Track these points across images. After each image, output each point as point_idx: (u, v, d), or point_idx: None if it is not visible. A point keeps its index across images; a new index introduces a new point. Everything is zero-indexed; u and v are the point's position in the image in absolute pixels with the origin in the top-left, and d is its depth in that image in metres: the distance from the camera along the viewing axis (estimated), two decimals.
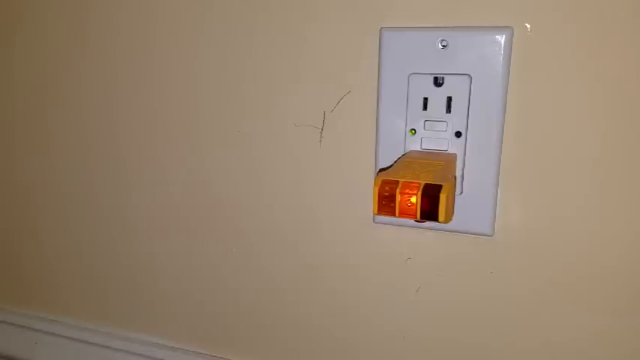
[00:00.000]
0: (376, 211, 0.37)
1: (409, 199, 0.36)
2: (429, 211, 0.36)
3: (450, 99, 0.42)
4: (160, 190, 0.55)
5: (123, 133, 0.55)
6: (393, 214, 0.36)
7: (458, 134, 0.42)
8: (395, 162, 0.43)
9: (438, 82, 0.42)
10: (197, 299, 0.57)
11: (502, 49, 0.39)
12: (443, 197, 0.35)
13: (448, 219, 0.36)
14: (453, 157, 0.42)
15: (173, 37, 0.50)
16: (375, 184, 0.37)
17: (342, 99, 0.46)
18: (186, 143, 0.53)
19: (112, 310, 0.62)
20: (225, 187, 0.52)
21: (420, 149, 0.43)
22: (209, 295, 0.56)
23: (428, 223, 0.41)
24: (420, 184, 0.36)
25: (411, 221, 0.43)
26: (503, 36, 0.39)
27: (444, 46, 0.41)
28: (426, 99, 0.42)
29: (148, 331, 0.61)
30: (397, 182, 0.36)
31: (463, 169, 0.42)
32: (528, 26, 0.39)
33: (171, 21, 0.50)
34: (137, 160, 0.55)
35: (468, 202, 0.43)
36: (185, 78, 0.51)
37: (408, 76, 0.42)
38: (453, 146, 0.42)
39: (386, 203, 0.36)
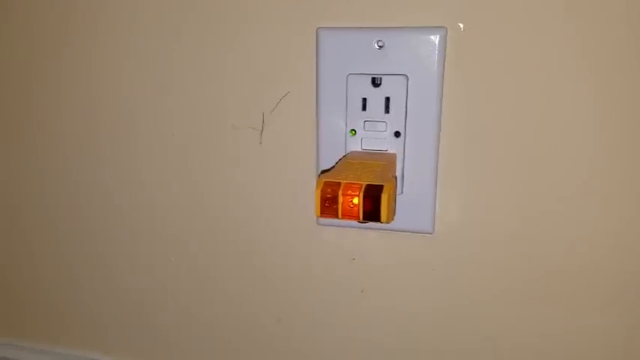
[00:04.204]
0: (319, 214, 0.36)
1: (351, 201, 0.35)
2: (371, 212, 0.35)
3: (388, 99, 0.42)
4: (93, 196, 0.53)
5: (59, 136, 0.52)
6: (336, 215, 0.36)
7: (397, 134, 0.42)
8: (336, 163, 0.43)
9: (375, 83, 0.42)
10: (135, 311, 0.55)
11: (436, 48, 0.40)
12: (384, 197, 0.35)
13: (390, 219, 0.36)
14: (393, 157, 0.42)
15: (98, 37, 0.48)
16: (317, 186, 0.36)
17: (281, 100, 0.45)
18: (118, 147, 0.50)
19: None
20: (160, 191, 0.50)
21: (361, 150, 0.43)
22: (148, 305, 0.54)
23: (370, 223, 0.41)
24: (361, 185, 0.35)
25: (354, 222, 0.43)
26: (438, 36, 0.40)
27: (380, 46, 0.41)
28: (365, 99, 0.42)
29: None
30: (339, 184, 0.36)
31: (403, 169, 0.43)
32: (461, 26, 0.40)
33: (96, 21, 0.47)
34: (67, 166, 0.52)
35: (409, 201, 0.43)
36: (115, 80, 0.49)
37: (347, 77, 0.42)
38: (392, 146, 0.43)
39: (328, 205, 0.36)
